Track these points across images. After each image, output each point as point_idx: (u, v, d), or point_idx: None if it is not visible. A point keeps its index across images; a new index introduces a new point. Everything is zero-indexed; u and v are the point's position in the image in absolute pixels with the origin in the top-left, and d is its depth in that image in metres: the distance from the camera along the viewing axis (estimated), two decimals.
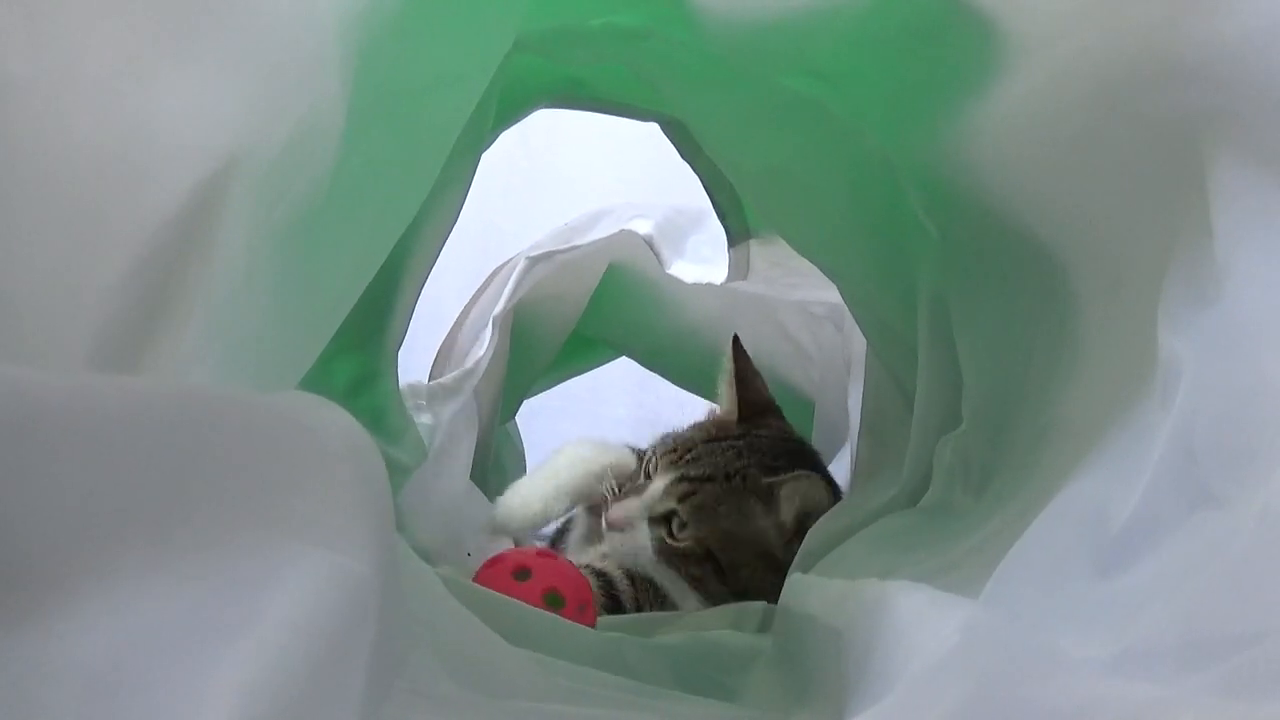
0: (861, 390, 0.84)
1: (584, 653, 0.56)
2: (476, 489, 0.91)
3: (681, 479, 0.84)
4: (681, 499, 0.83)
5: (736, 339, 0.93)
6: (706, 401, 0.97)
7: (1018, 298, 0.51)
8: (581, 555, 0.88)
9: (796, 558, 0.72)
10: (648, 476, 0.87)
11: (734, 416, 0.91)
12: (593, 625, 0.71)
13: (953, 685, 0.29)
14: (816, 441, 1.06)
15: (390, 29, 0.43)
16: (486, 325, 0.93)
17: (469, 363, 0.90)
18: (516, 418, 1.14)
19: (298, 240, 0.41)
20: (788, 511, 0.83)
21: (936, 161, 0.52)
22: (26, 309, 0.30)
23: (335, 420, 0.34)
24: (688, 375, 1.14)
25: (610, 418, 1.34)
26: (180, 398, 0.28)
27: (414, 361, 0.90)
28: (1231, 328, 0.32)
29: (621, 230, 1.02)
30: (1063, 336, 0.46)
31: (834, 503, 0.83)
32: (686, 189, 0.96)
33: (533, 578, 0.70)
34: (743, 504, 0.84)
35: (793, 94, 0.60)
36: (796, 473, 0.85)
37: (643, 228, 1.03)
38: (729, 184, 0.94)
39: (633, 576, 0.83)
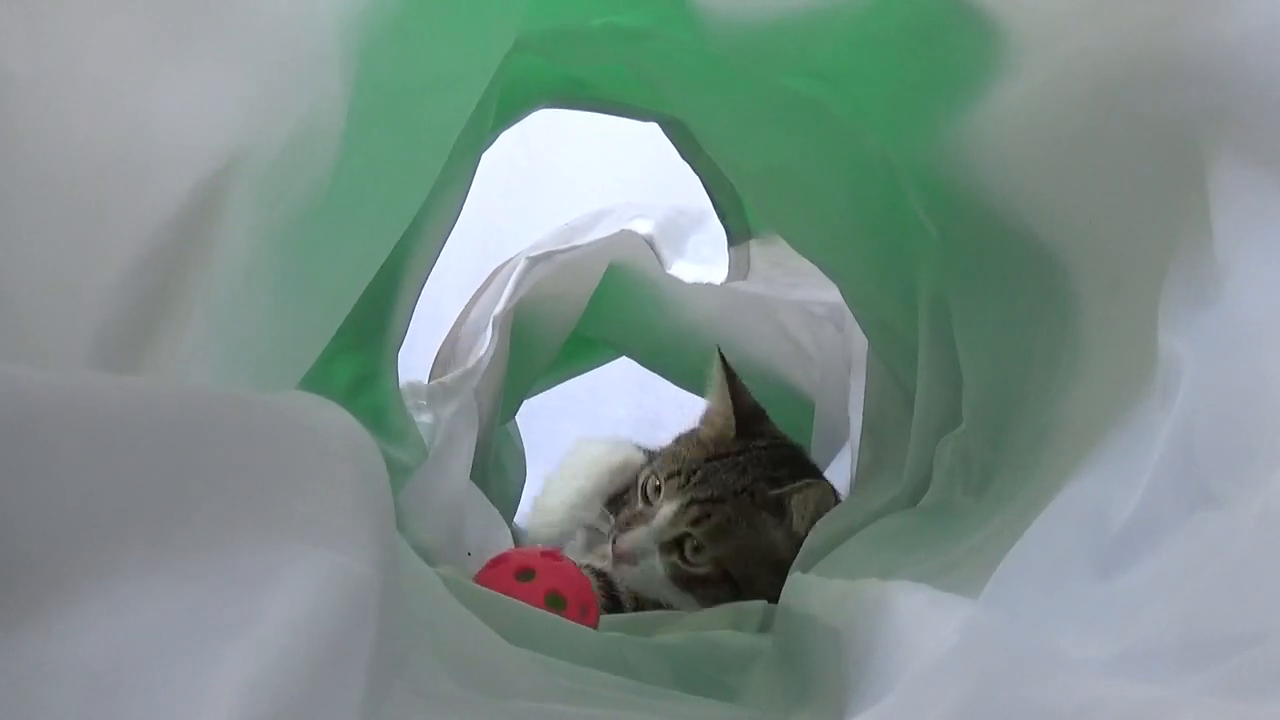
0: (862, 390, 0.84)
1: (584, 653, 0.56)
2: (477, 489, 0.91)
3: (692, 502, 0.83)
4: (695, 522, 0.82)
5: (720, 352, 0.92)
6: (706, 401, 0.96)
7: (1018, 298, 0.51)
8: (583, 556, 0.88)
9: (797, 558, 0.72)
10: (647, 501, 0.86)
11: (731, 431, 0.90)
12: (595, 627, 0.71)
13: (953, 685, 0.29)
14: (816, 441, 1.06)
15: (390, 29, 0.43)
16: (487, 325, 0.93)
17: (469, 363, 0.90)
18: (516, 418, 1.13)
19: (298, 240, 0.41)
20: (800, 520, 0.82)
21: (936, 161, 0.52)
22: (26, 309, 0.30)
23: (335, 420, 0.34)
24: (688, 375, 1.14)
25: (610, 418, 1.33)
26: (180, 398, 0.28)
27: (414, 361, 0.90)
28: (1231, 328, 0.32)
29: (622, 230, 1.02)
30: (1063, 336, 0.46)
31: (836, 504, 0.83)
32: (687, 189, 0.96)
33: (536, 579, 0.70)
34: (755, 519, 0.83)
35: (793, 94, 0.60)
36: (803, 482, 0.84)
37: (643, 228, 1.03)
38: (729, 184, 0.94)
39: (639, 598, 0.83)
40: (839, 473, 0.97)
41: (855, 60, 0.54)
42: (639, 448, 1.04)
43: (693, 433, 0.94)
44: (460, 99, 0.56)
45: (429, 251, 0.71)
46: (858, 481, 0.84)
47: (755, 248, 0.99)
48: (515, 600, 0.63)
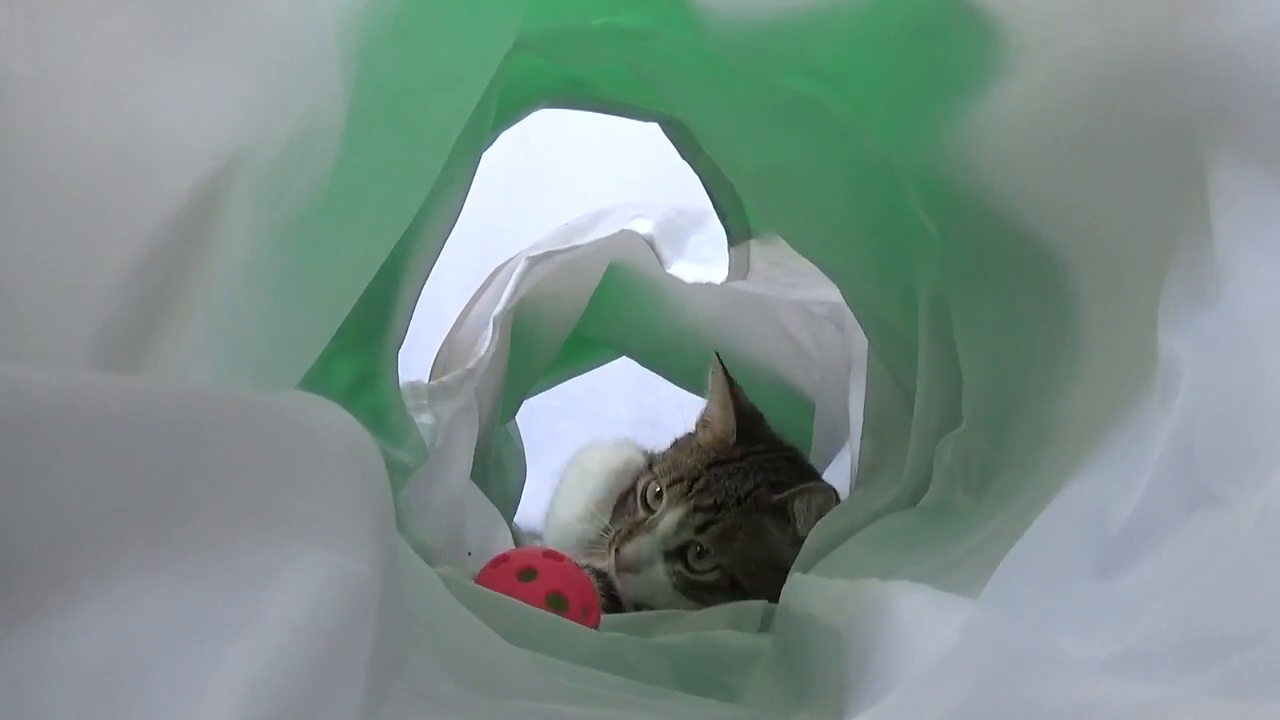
0: (862, 390, 0.84)
1: (584, 653, 0.56)
2: (477, 488, 0.91)
3: (696, 509, 0.83)
4: (699, 530, 0.82)
5: (719, 357, 0.92)
6: (705, 406, 0.96)
7: (1018, 298, 0.51)
8: (583, 556, 0.88)
9: (797, 558, 0.72)
10: (647, 509, 0.86)
11: (731, 437, 0.90)
12: (596, 628, 0.71)
13: (953, 685, 0.29)
14: (817, 441, 1.06)
15: (390, 29, 0.43)
16: (487, 325, 0.93)
17: (469, 362, 0.90)
18: (516, 418, 1.13)
19: (298, 240, 0.41)
20: (803, 524, 0.82)
21: (936, 161, 0.52)
22: (26, 309, 0.30)
23: (335, 420, 0.34)
24: (688, 375, 1.14)
25: (610, 418, 1.33)
26: (180, 398, 0.28)
27: (414, 361, 0.90)
28: (1231, 328, 0.32)
29: (622, 230, 1.02)
30: (1063, 336, 0.46)
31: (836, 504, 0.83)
32: (687, 189, 0.96)
33: (537, 579, 0.70)
34: (758, 525, 0.83)
35: (793, 94, 0.60)
36: (805, 486, 0.84)
37: (643, 228, 1.03)
38: (729, 184, 0.94)
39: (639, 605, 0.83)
40: (839, 473, 0.97)
41: (855, 60, 0.54)
42: (639, 447, 1.04)
43: (691, 438, 0.93)
44: (460, 99, 0.56)
45: (429, 251, 0.71)
46: (858, 481, 0.84)
47: (755, 248, 0.99)
48: (515, 600, 0.63)
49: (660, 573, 0.82)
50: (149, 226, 0.33)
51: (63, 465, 0.24)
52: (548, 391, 1.17)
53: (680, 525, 0.83)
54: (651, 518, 0.84)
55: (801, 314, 1.07)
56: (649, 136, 0.88)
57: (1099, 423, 0.40)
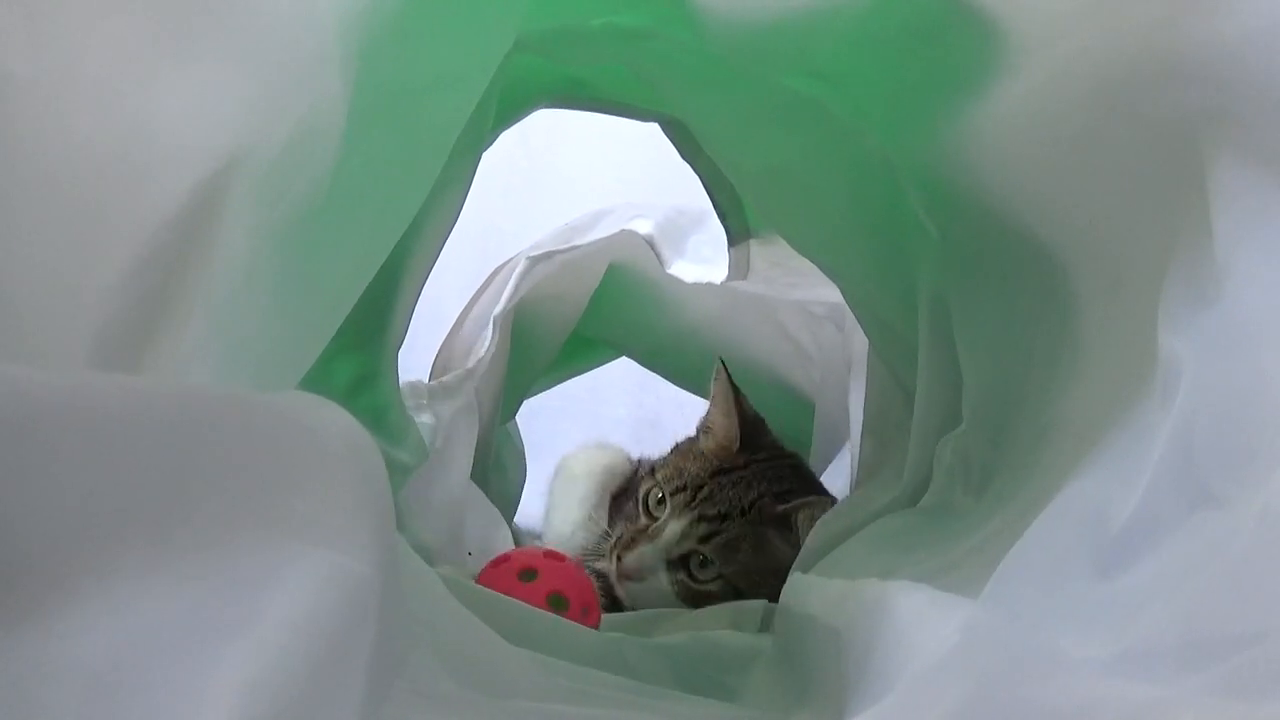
0: (862, 390, 0.84)
1: (584, 653, 0.56)
2: (477, 488, 0.91)
3: (700, 519, 0.83)
4: (704, 540, 0.82)
5: (723, 363, 0.91)
6: (707, 402, 0.96)
7: (1018, 298, 0.51)
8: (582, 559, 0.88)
9: (797, 558, 0.72)
10: (650, 515, 0.86)
11: (734, 445, 0.89)
12: (597, 628, 0.71)
13: (953, 685, 0.29)
14: (817, 441, 1.06)
15: (390, 29, 0.43)
16: (487, 325, 0.93)
17: (470, 362, 0.90)
18: (516, 418, 1.14)
19: (298, 240, 0.41)
20: (806, 535, 0.82)
21: (936, 161, 0.52)
22: (26, 309, 0.30)
23: (335, 420, 0.34)
24: (688, 375, 1.14)
25: (610, 418, 1.34)
26: (180, 398, 0.28)
27: (414, 361, 0.90)
28: (1231, 328, 0.32)
29: (622, 230, 1.02)
30: (1063, 336, 0.46)
31: None
32: (687, 189, 0.96)
33: (538, 579, 0.70)
34: (761, 535, 0.83)
35: (793, 94, 0.60)
36: (809, 498, 0.84)
37: (643, 228, 1.03)
38: (729, 184, 0.94)
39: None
40: (839, 473, 0.98)
41: (855, 60, 0.54)
42: (619, 448, 1.04)
43: (693, 443, 0.93)
44: (460, 99, 0.56)
45: (429, 251, 0.71)
46: (858, 481, 0.84)
47: (755, 248, 0.99)
48: (515, 600, 0.63)
49: (663, 581, 0.82)
50: (149, 226, 0.33)
51: (63, 465, 0.24)
52: (548, 391, 1.17)
53: (684, 535, 0.82)
54: (654, 525, 0.84)
55: (801, 314, 1.07)
56: (649, 136, 0.88)
57: (1099, 423, 0.40)
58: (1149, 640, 0.29)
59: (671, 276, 1.03)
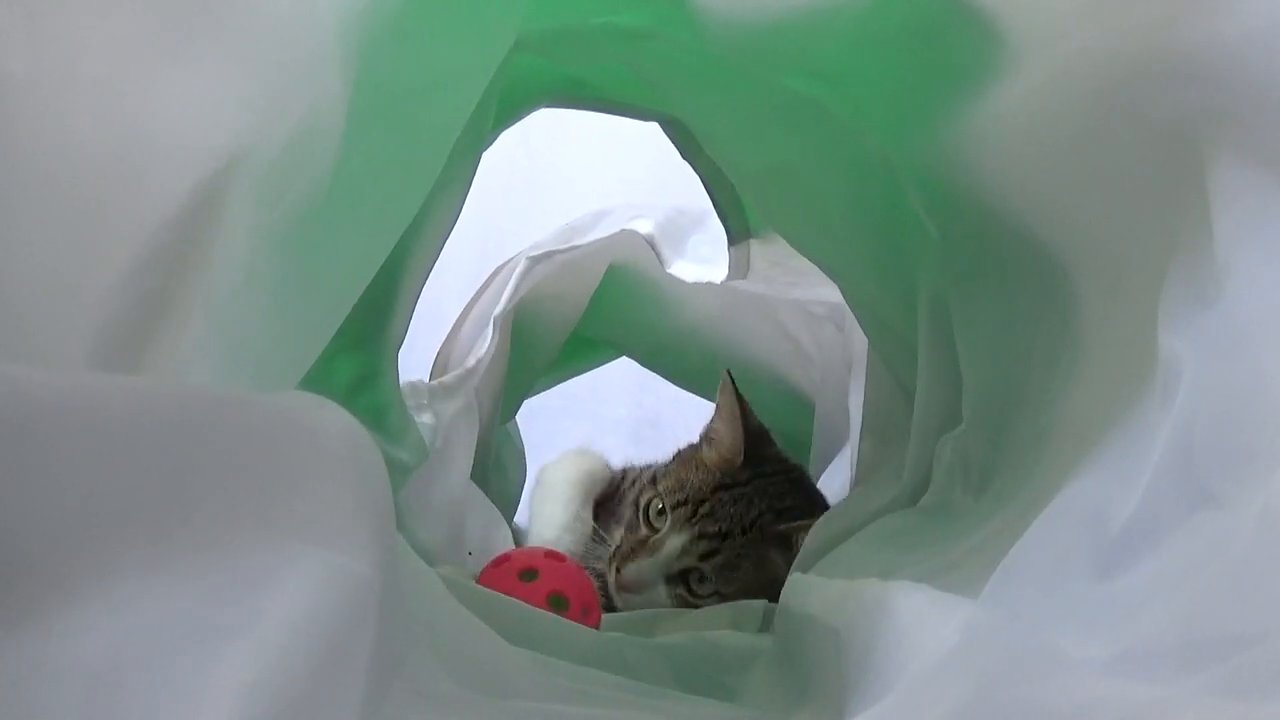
0: (862, 390, 0.84)
1: (584, 653, 0.56)
2: (477, 488, 0.91)
3: (700, 536, 0.82)
4: (704, 557, 0.82)
5: (730, 376, 0.90)
6: (707, 402, 0.96)
7: (1018, 298, 0.51)
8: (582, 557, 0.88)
9: (797, 558, 0.72)
10: (650, 526, 0.85)
11: (738, 458, 0.88)
12: (597, 628, 0.71)
13: (953, 685, 0.29)
14: (816, 441, 1.06)
15: (390, 29, 0.43)
16: (487, 325, 0.93)
17: (470, 362, 0.90)
18: (516, 418, 1.14)
19: (298, 240, 0.41)
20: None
21: (936, 161, 0.52)
22: (26, 309, 0.30)
23: (335, 420, 0.34)
24: (688, 375, 1.14)
25: (610, 418, 1.34)
26: (180, 398, 0.28)
27: (414, 361, 0.90)
28: (1231, 328, 0.32)
29: (622, 230, 1.02)
30: (1063, 336, 0.46)
31: None
32: (687, 189, 0.96)
33: (538, 579, 0.70)
34: (762, 554, 0.83)
35: (793, 94, 0.60)
36: (809, 522, 0.83)
37: (644, 227, 1.03)
38: (729, 184, 0.94)
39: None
40: (839, 473, 0.97)
41: (855, 60, 0.54)
42: (596, 454, 1.03)
43: (695, 451, 0.92)
44: (460, 99, 0.56)
45: (429, 251, 0.71)
46: (858, 481, 0.84)
47: (755, 247, 0.98)
48: (515, 600, 0.63)
49: (661, 595, 0.82)
50: (149, 226, 0.33)
51: (63, 465, 0.24)
52: (548, 391, 1.17)
53: (684, 550, 0.82)
54: (655, 538, 0.83)
55: (801, 314, 1.07)
56: (649, 136, 0.88)
57: (1099, 423, 0.40)
58: (1149, 640, 0.29)
59: (672, 276, 1.03)
